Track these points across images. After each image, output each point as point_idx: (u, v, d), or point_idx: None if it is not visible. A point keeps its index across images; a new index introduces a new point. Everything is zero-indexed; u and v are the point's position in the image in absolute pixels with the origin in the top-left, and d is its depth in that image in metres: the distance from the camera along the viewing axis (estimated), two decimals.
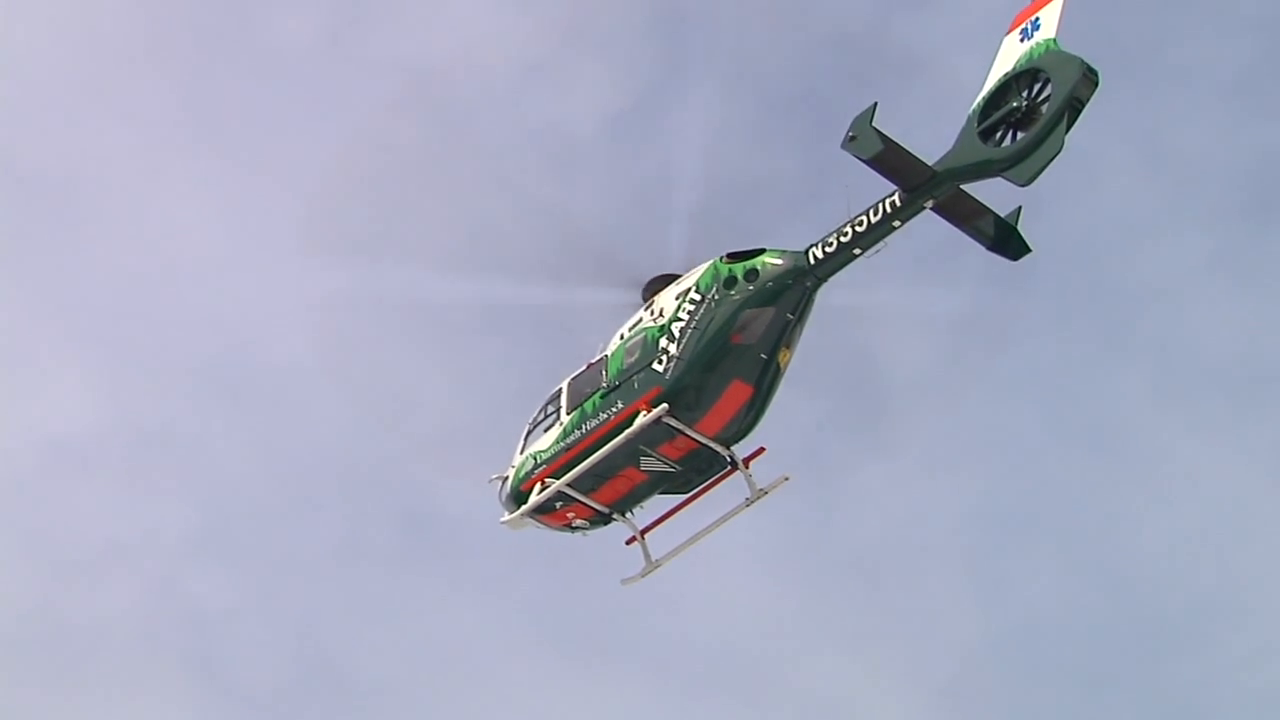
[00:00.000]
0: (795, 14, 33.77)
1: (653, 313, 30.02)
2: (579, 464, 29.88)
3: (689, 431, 29.35)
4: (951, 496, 56.71)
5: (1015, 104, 27.21)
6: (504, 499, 31.38)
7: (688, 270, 30.19)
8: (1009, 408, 56.81)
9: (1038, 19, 27.83)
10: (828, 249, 28.70)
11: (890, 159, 27.34)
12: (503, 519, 31.52)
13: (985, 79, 27.94)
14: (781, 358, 29.30)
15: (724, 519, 30.32)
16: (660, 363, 29.34)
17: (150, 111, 64.38)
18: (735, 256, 29.50)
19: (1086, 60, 26.92)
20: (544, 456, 30.61)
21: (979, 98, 27.75)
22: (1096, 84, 26.85)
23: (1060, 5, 27.59)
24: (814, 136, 30.54)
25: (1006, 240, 28.59)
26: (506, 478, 31.36)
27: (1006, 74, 27.52)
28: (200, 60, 64.35)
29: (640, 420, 29.10)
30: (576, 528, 31.27)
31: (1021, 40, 27.85)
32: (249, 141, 62.70)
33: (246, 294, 59.29)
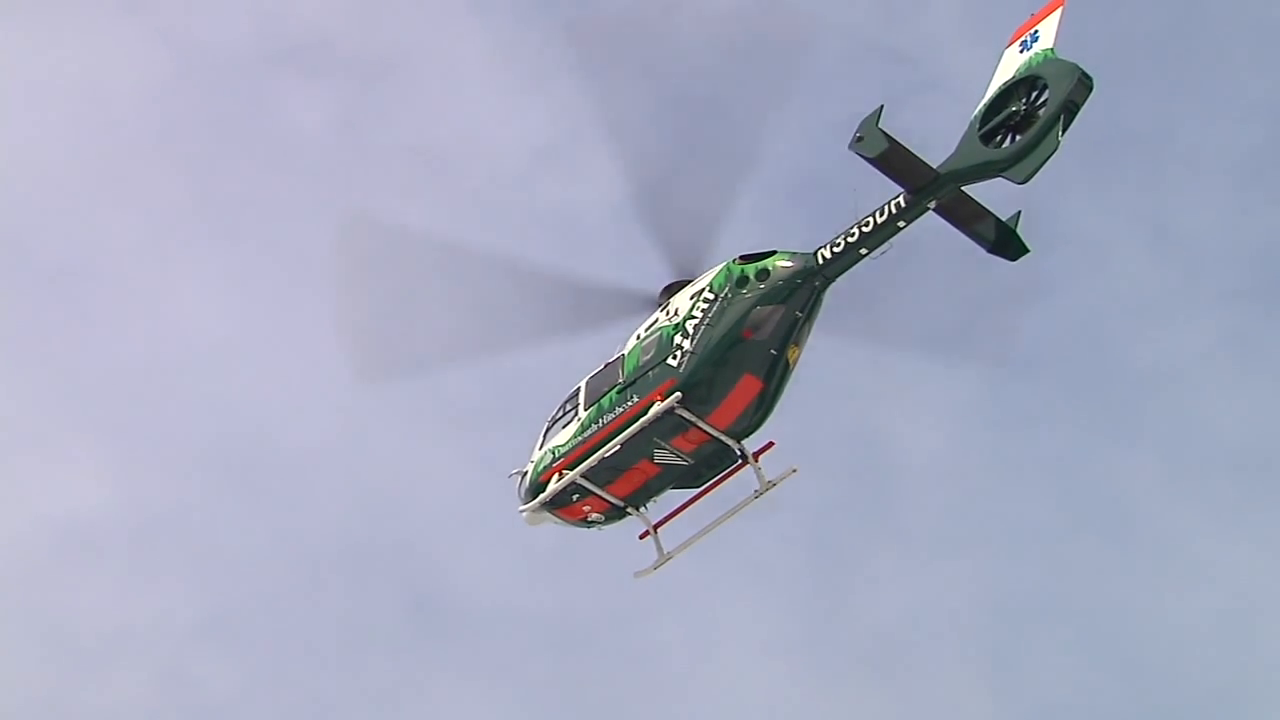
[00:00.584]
0: (805, 99, 34.43)
1: (668, 313, 31.48)
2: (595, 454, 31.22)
3: (701, 423, 30.69)
4: (963, 582, 57.32)
5: (1015, 109, 28.77)
6: (522, 493, 32.69)
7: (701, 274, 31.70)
8: (1020, 493, 58.13)
9: (1036, 32, 29.47)
10: (835, 249, 30.17)
11: (895, 159, 28.85)
12: (521, 511, 32.84)
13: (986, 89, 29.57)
14: (791, 354, 30.68)
15: (733, 511, 31.61)
16: (675, 358, 30.76)
17: (161, 199, 65.17)
18: (747, 258, 30.99)
19: (1082, 67, 28.47)
20: (562, 450, 31.96)
21: (980, 104, 29.31)
22: (1091, 89, 28.40)
23: (1058, 18, 29.23)
24: (823, 221, 31.94)
25: (1006, 242, 30.05)
26: (525, 472, 32.70)
27: (1006, 82, 29.10)
28: (212, 148, 65.70)
29: (655, 408, 30.47)
30: (592, 521, 32.54)
31: (1021, 51, 29.48)
32: (259, 229, 63.70)
33: (254, 379, 60.87)
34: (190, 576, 59.27)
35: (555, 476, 31.87)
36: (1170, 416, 59.61)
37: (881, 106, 28.95)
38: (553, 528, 33.13)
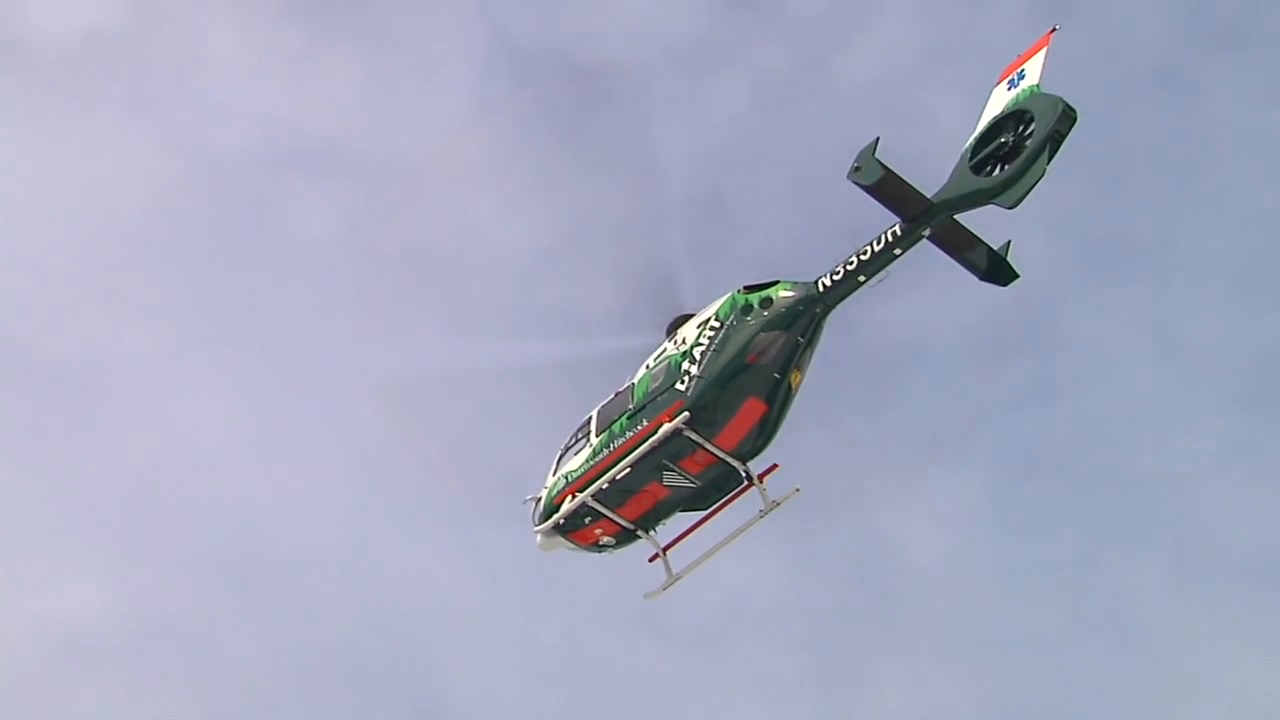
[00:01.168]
0: (812, 203, 36.02)
1: (676, 342, 33.02)
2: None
3: (708, 445, 32.13)
4: (969, 688, 57.27)
5: (1004, 140, 30.45)
6: (537, 519, 34.06)
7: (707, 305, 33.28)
8: (1025, 597, 58.20)
9: (1023, 70, 31.21)
10: (835, 277, 31.74)
11: (890, 188, 30.48)
12: (536, 539, 34.19)
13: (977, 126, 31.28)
14: (793, 378, 32.16)
15: (739, 531, 32.95)
16: (683, 382, 32.27)
17: (165, 303, 65.41)
18: (751, 288, 32.56)
19: (1066, 100, 30.16)
20: (574, 474, 33.38)
21: (971, 137, 30.99)
22: (1075, 120, 30.07)
23: (1043, 57, 30.97)
24: (831, 347, 33.13)
25: (997, 269, 31.59)
26: (540, 498, 34.10)
27: (995, 116, 30.81)
28: (217, 252, 65.55)
29: (664, 428, 31.91)
30: (604, 545, 33.86)
31: (1009, 89, 31.21)
32: (262, 332, 63.54)
33: (256, 483, 61.10)
34: (190, 682, 59.43)
35: (568, 499, 33.25)
36: (1176, 522, 59.76)
37: (877, 138, 30.61)
38: (565, 553, 34.49)
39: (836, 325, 32.45)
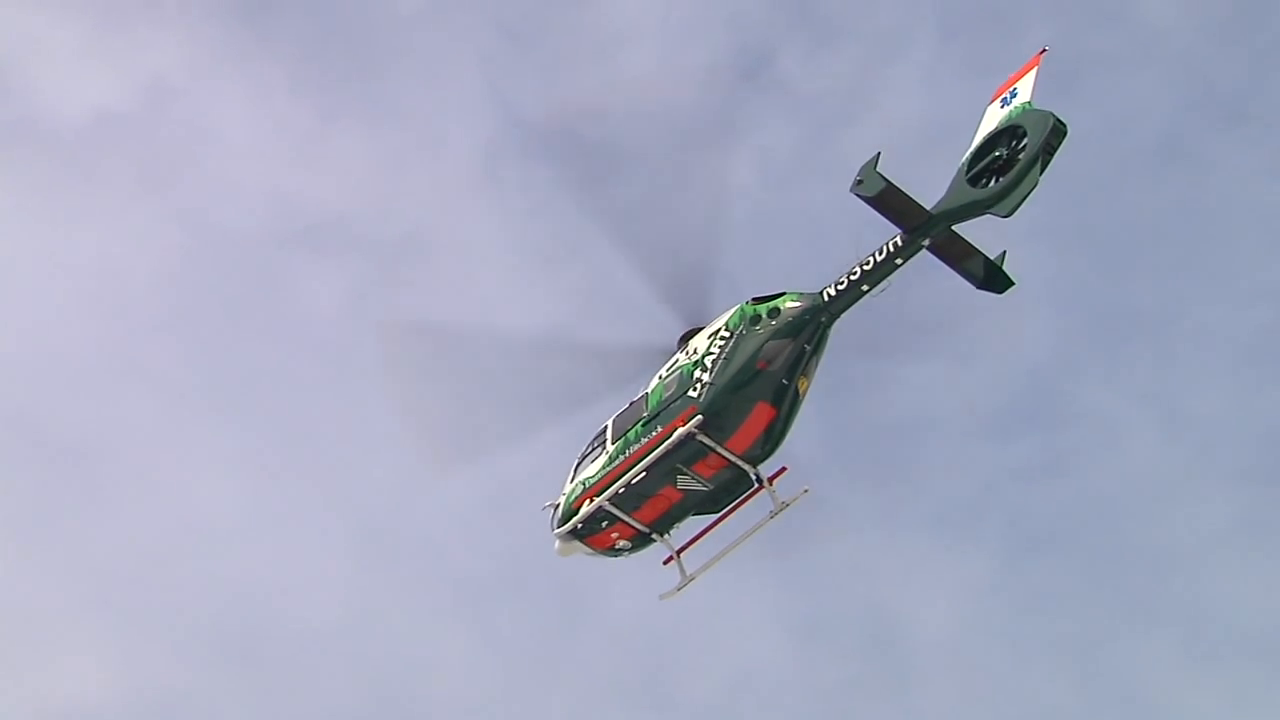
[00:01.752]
0: (821, 276, 35.80)
1: (688, 353, 34.61)
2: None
3: (720, 449, 33.67)
4: None
5: (998, 154, 32.13)
6: (555, 525, 35.53)
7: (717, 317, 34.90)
8: (1033, 673, 58.59)
9: (1015, 89, 32.92)
10: (839, 287, 33.36)
11: (891, 200, 32.15)
12: (554, 545, 35.67)
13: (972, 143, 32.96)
14: (800, 385, 33.74)
15: (750, 533, 34.47)
16: (695, 390, 33.84)
17: (172, 379, 65.71)
18: (759, 299, 34.18)
19: (1056, 114, 31.88)
20: (591, 480, 34.91)
21: (967, 152, 32.69)
22: (1065, 134, 31.79)
23: (1033, 76, 32.70)
24: (831, 400, 34.58)
25: (994, 278, 33.22)
26: (558, 504, 35.60)
27: (990, 132, 32.50)
28: (224, 328, 66.28)
29: (678, 432, 33.46)
30: (619, 549, 35.35)
31: (1002, 107, 32.92)
32: (269, 407, 64.32)
33: (262, 560, 61.42)
34: None
35: (585, 504, 34.75)
36: (1186, 598, 59.82)
37: (879, 153, 32.29)
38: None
39: (845, 398, 34.03)
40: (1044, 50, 32.94)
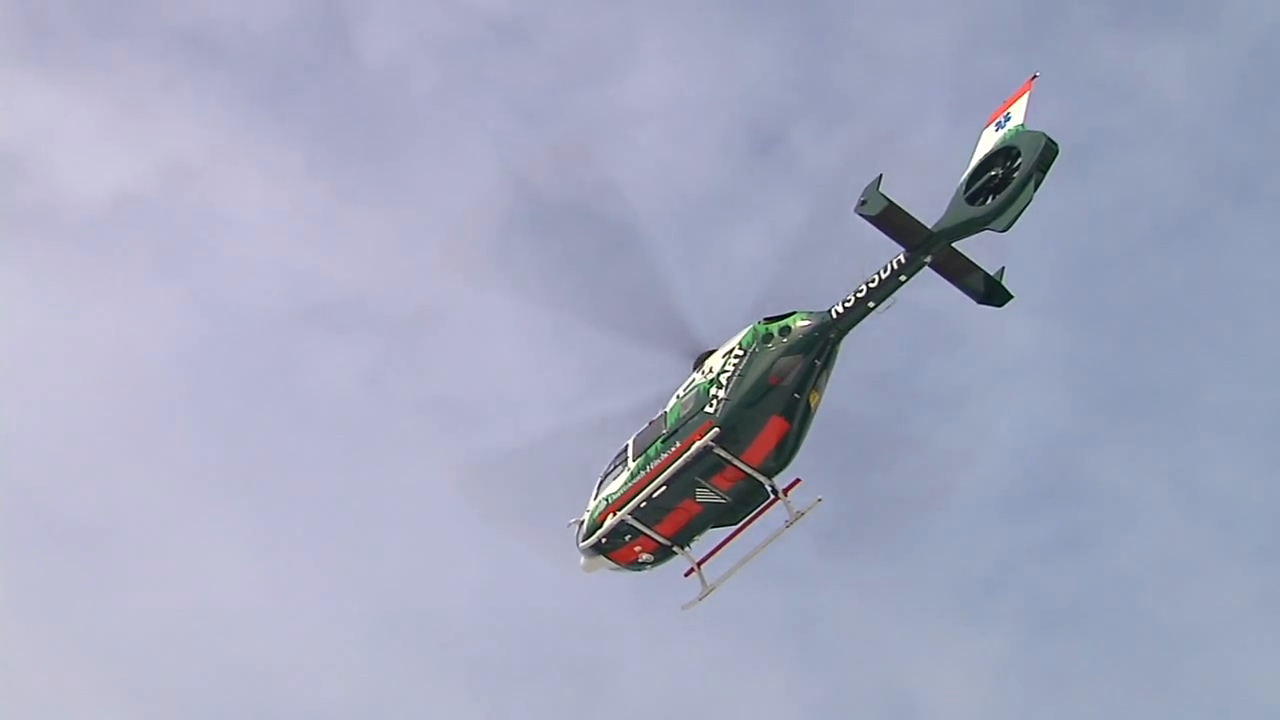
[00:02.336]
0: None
1: (704, 372, 36.32)
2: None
3: (736, 461, 35.32)
4: None
5: (994, 173, 33.90)
6: (580, 541, 37.13)
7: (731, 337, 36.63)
8: None
9: (1009, 114, 34.73)
10: (846, 305, 35.08)
11: (894, 219, 33.90)
12: (580, 562, 37.27)
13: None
14: (812, 398, 35.41)
15: (767, 542, 36.05)
16: (711, 406, 35.53)
17: (187, 459, 65.58)
18: (771, 319, 35.90)
19: (1049, 135, 33.68)
20: (614, 496, 36.56)
21: (965, 173, 34.47)
22: (1057, 153, 33.54)
23: (1025, 101, 34.52)
24: (854, 469, 35.69)
25: (994, 293, 34.91)
26: (582, 521, 37.21)
27: (986, 153, 34.30)
28: (240, 407, 66.59)
29: (695, 445, 35.11)
30: (642, 563, 36.92)
31: (996, 130, 34.73)
32: (284, 487, 64.54)
33: (276, 641, 61.61)
34: None
35: (609, 519, 36.37)
36: (1205, 676, 59.62)
37: (880, 175, 34.05)
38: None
39: (860, 472, 35.29)
40: (1035, 76, 34.77)
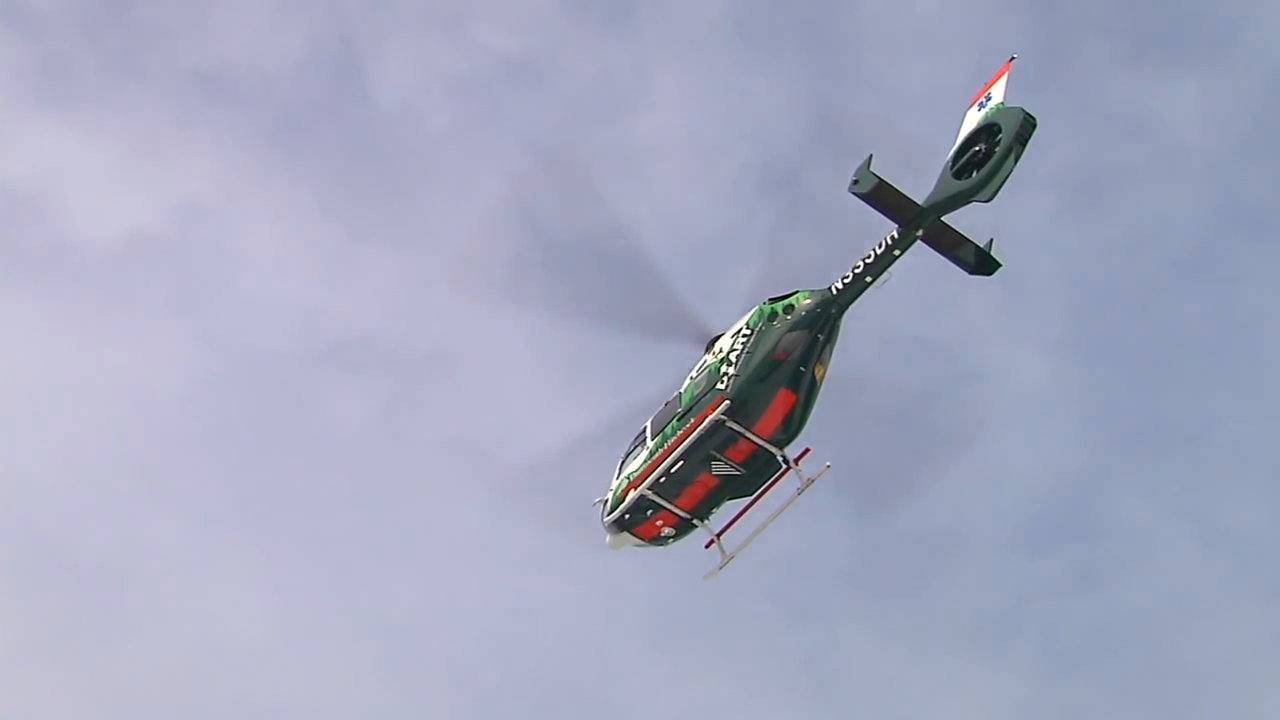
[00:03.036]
0: (852, 394, 38.51)
1: (714, 353, 38.44)
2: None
3: (748, 434, 37.37)
4: None
5: (978, 149, 36.04)
6: (605, 519, 39.18)
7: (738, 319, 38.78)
8: None
9: (990, 94, 36.90)
10: (845, 281, 37.18)
11: (885, 196, 36.02)
12: (606, 540, 39.32)
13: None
14: (817, 371, 37.48)
15: (780, 510, 38.05)
16: (723, 382, 37.64)
17: (200, 499, 65.57)
18: (775, 299, 38.02)
19: (1026, 109, 35.83)
20: (634, 474, 38.64)
21: (951, 150, 36.61)
22: (1035, 125, 35.63)
23: (1005, 81, 36.69)
24: (870, 533, 36.89)
25: (983, 262, 36.96)
26: (606, 500, 39.28)
27: (970, 132, 36.47)
28: (252, 447, 66.61)
29: (708, 419, 37.20)
30: (664, 537, 38.92)
31: (979, 110, 36.92)
32: (296, 526, 64.47)
33: (289, 681, 61.87)
34: None
35: (630, 495, 38.46)
36: (1224, 714, 59.67)
37: (871, 155, 36.23)
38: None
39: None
40: (1013, 58, 36.97)
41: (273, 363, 69.07)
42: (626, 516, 38.70)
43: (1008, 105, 36.26)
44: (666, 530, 38.89)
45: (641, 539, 39.15)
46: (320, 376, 68.83)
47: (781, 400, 37.32)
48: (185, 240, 72.36)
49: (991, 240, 37.29)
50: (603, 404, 40.91)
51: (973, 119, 36.86)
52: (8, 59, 74.11)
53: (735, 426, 37.36)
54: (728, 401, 37.26)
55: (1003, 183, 35.47)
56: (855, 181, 36.16)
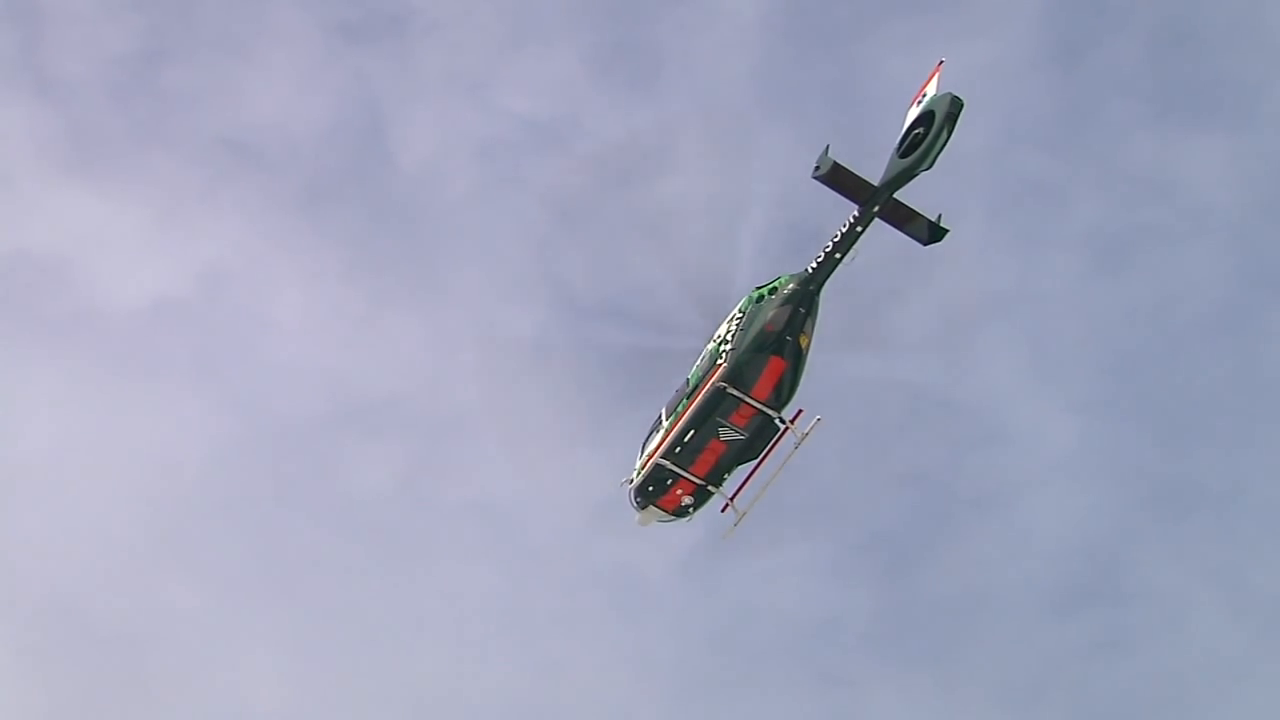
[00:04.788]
0: (874, 453, 41.76)
1: (714, 339, 44.39)
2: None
3: (747, 398, 43.12)
4: None
5: (918, 132, 42.38)
6: (631, 497, 44.68)
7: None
8: None
9: (925, 93, 43.36)
10: (819, 260, 43.23)
11: (842, 178, 42.25)
12: (635, 517, 44.79)
13: None
14: (802, 341, 43.33)
15: (782, 464, 43.59)
16: (722, 358, 43.52)
17: (223, 565, 65.35)
18: (760, 287, 44.06)
19: (953, 93, 42.18)
20: (652, 449, 44.29)
21: (897, 139, 42.92)
22: (962, 105, 41.89)
23: (936, 79, 43.15)
24: (890, 574, 39.31)
25: (934, 233, 42.96)
26: (632, 480, 44.84)
27: (910, 121, 42.89)
28: (276, 512, 66.14)
29: (710, 384, 42.98)
30: (685, 506, 44.41)
31: (917, 106, 43.39)
32: (320, 591, 64.42)
33: None
34: None
35: (650, 464, 44.10)
36: None
37: (828, 145, 42.55)
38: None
39: (902, 573, 38.56)
40: (941, 61, 43.49)
41: (296, 427, 68.90)
42: (650, 488, 44.28)
43: (939, 94, 42.69)
44: (686, 499, 44.39)
45: (665, 510, 44.65)
46: (343, 441, 68.71)
47: (773, 367, 43.12)
48: (210, 306, 72.54)
49: (940, 215, 43.37)
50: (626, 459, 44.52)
51: (912, 113, 43.29)
52: (35, 126, 75.06)
53: (735, 392, 43.13)
54: (727, 369, 43.04)
55: (939, 151, 41.70)
56: (817, 168, 42.46)
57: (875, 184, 42.74)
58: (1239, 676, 61.62)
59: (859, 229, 42.97)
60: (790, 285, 43.65)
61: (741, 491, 44.40)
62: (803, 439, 43.40)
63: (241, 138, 75.42)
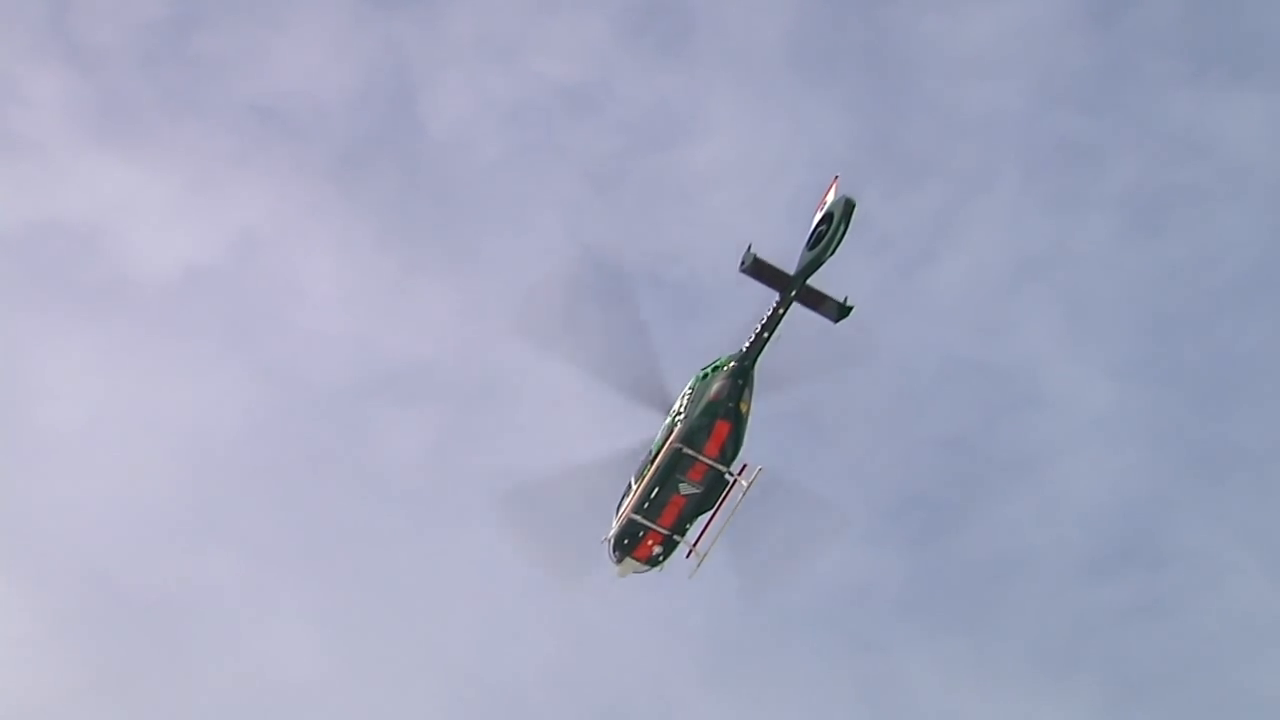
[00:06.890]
0: (907, 419, 45.66)
1: (669, 414, 53.54)
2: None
3: (700, 456, 52.16)
4: None
5: (822, 228, 51.93)
6: (610, 551, 53.47)
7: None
8: None
9: (825, 200, 52.93)
10: (750, 341, 52.55)
11: (764, 271, 51.70)
12: (614, 570, 53.52)
13: None
14: (742, 407, 52.46)
15: (732, 512, 52.46)
16: (677, 426, 52.66)
17: (257, 533, 65.23)
18: (705, 368, 53.36)
19: (848, 196, 51.72)
20: (625, 508, 53.27)
21: (807, 238, 52.39)
22: (855, 204, 51.31)
23: (834, 189, 52.69)
24: (924, 538, 41.43)
25: (841, 312, 52.21)
26: (610, 538, 53.64)
27: (815, 221, 52.53)
28: (309, 480, 66.16)
29: (668, 447, 52.01)
30: (656, 556, 53.18)
31: (820, 211, 53.01)
32: (354, 559, 64.13)
33: (349, 715, 62.15)
34: None
35: (624, 519, 53.00)
36: None
37: (750, 243, 51.97)
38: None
39: (937, 536, 41.81)
40: (836, 177, 53.09)
41: (328, 395, 68.36)
42: (625, 541, 53.08)
43: (837, 198, 52.45)
44: (656, 549, 53.19)
45: (640, 560, 53.41)
46: (376, 408, 68.24)
47: (720, 429, 52.24)
48: (241, 273, 72.24)
49: (846, 297, 52.77)
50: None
51: (817, 216, 52.99)
52: (66, 94, 75.04)
53: (690, 452, 52.19)
54: (682, 432, 52.14)
55: (838, 242, 51.20)
56: (743, 263, 51.99)
57: (790, 274, 52.21)
58: (1277, 638, 61.12)
59: (781, 311, 52.41)
60: (730, 363, 52.94)
61: (701, 538, 53.23)
62: (747, 489, 52.35)
63: (272, 105, 75.11)
